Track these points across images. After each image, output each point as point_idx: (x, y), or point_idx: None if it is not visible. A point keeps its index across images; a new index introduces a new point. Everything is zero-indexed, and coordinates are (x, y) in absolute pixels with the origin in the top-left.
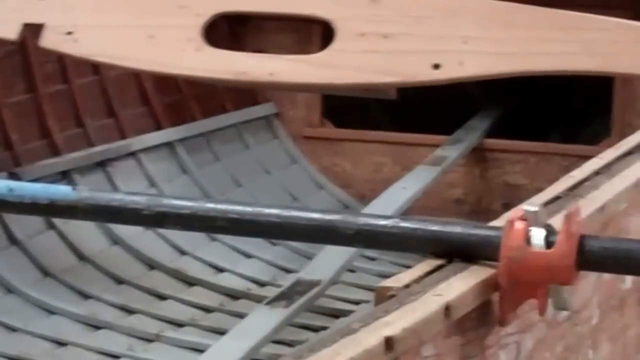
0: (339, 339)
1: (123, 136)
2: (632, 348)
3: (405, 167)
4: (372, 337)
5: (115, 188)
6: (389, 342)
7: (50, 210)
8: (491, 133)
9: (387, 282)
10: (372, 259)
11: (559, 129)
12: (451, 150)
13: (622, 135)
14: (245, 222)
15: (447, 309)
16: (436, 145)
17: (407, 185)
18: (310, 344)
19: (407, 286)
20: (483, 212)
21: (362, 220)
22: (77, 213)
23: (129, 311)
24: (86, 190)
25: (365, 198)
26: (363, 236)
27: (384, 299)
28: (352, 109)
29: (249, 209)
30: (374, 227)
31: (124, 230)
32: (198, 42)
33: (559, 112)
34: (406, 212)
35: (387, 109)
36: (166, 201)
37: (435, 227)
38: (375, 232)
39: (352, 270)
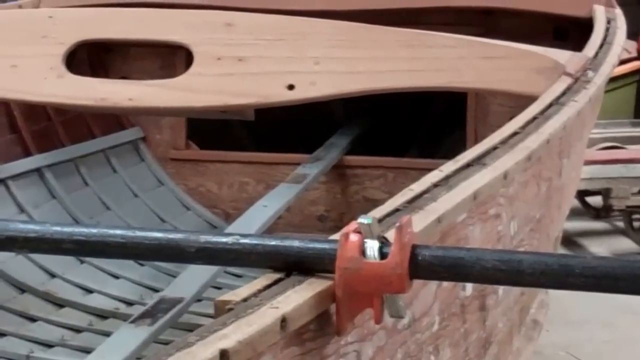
0: (175, 352)
1: None
2: (474, 352)
3: (268, 185)
4: (207, 350)
5: None
6: (224, 355)
7: None
8: (351, 150)
9: (226, 296)
10: (239, 275)
11: (417, 145)
12: (312, 168)
13: None
14: (91, 243)
15: (284, 320)
16: (298, 164)
17: (268, 203)
18: (147, 358)
19: (245, 300)
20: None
21: (204, 238)
22: None
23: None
24: None
25: (230, 217)
26: (205, 253)
27: (223, 312)
28: (217, 131)
29: (94, 230)
30: (215, 245)
31: None
32: (60, 70)
33: (417, 128)
34: (270, 229)
35: (251, 130)
36: (13, 225)
37: (274, 242)
38: (217, 249)
39: (217, 287)
